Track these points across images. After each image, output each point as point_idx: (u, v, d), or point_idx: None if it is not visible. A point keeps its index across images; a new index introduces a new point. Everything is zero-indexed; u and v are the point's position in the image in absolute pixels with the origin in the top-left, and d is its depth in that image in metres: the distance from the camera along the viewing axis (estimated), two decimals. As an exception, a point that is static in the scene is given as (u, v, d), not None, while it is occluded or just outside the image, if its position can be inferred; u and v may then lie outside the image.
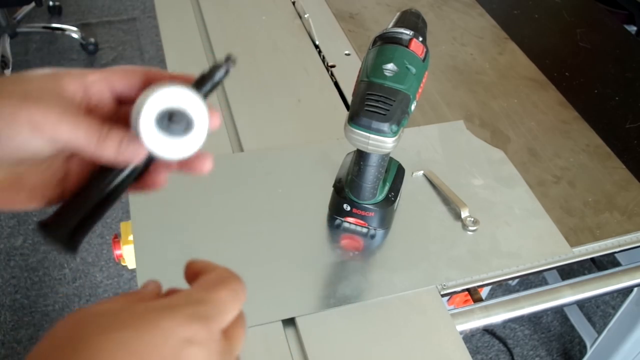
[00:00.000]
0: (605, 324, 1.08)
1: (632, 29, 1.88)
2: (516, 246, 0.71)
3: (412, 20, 0.60)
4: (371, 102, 0.54)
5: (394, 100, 0.54)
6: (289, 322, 0.61)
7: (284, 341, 0.59)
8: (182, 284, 0.37)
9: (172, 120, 0.32)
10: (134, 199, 0.71)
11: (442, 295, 0.65)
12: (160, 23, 1.04)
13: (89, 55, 2.43)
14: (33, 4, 2.13)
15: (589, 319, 1.56)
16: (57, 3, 2.62)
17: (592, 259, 0.74)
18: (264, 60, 0.97)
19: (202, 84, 0.36)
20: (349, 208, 0.67)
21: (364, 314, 0.62)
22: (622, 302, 1.01)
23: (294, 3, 1.11)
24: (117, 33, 2.57)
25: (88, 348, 0.25)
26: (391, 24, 0.60)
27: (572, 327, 1.55)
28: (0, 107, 0.30)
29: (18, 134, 0.31)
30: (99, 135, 0.32)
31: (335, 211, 0.69)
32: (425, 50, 0.58)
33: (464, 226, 0.72)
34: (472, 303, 0.67)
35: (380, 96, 0.54)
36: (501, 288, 1.62)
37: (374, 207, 0.67)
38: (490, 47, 1.08)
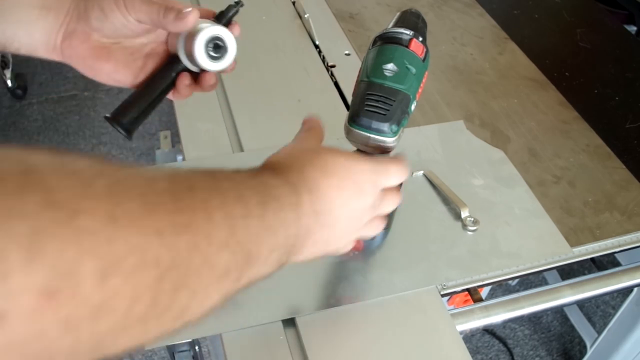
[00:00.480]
0: (605, 324, 1.08)
1: (632, 29, 1.88)
2: (516, 246, 0.71)
3: (412, 20, 0.60)
4: (371, 102, 0.54)
5: (394, 100, 0.54)
6: (289, 322, 0.61)
7: (284, 341, 0.59)
8: None
9: (214, 46, 0.51)
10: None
11: (442, 295, 0.65)
12: (160, 23, 1.04)
13: (89, 55, 2.43)
14: (33, 4, 2.13)
15: (589, 319, 1.56)
16: (57, 3, 2.62)
17: (592, 259, 0.74)
18: (264, 60, 0.97)
19: (221, 18, 0.53)
20: None
21: (364, 314, 0.62)
22: (622, 302, 1.01)
23: (294, 3, 1.11)
24: (117, 33, 2.57)
25: (324, 156, 0.45)
26: (391, 24, 0.60)
27: (572, 327, 1.55)
28: None
29: (114, 13, 0.47)
30: (164, 10, 0.47)
31: None
32: (425, 50, 0.58)
33: (464, 226, 0.72)
34: (472, 303, 0.67)
35: (380, 96, 0.54)
36: (501, 288, 1.62)
37: None
38: (490, 47, 1.08)
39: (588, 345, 1.31)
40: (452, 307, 0.69)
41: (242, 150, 0.79)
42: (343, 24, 1.08)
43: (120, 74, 0.52)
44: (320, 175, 0.44)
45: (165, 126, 2.13)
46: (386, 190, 0.50)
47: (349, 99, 0.91)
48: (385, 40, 0.57)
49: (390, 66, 0.55)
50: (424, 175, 0.79)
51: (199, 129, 0.83)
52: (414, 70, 0.56)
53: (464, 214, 0.73)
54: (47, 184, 0.23)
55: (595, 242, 0.74)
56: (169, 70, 0.53)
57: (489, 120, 0.91)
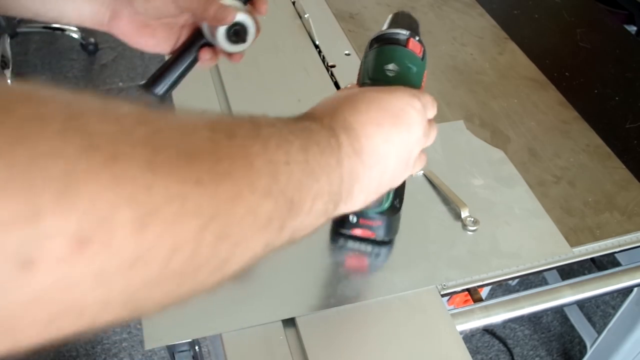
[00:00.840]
0: (605, 324, 1.08)
1: (632, 29, 1.88)
2: (516, 246, 0.71)
3: (406, 20, 0.60)
4: None
5: None
6: (289, 322, 0.61)
7: (284, 341, 0.59)
8: None
9: (234, 32, 0.56)
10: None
11: (442, 295, 0.65)
12: (160, 23, 1.04)
13: (89, 55, 2.43)
14: (33, 4, 2.13)
15: (589, 319, 1.56)
16: (57, 3, 2.62)
17: (592, 259, 0.74)
18: (264, 60, 0.97)
19: None
20: (355, 219, 0.66)
21: (364, 314, 0.62)
22: (622, 302, 1.01)
23: (294, 3, 1.11)
24: (117, 33, 2.57)
25: (355, 96, 0.45)
26: (385, 26, 0.59)
27: (572, 327, 1.55)
28: None
29: None
30: (204, 4, 0.53)
31: (340, 224, 0.67)
32: (422, 49, 0.58)
33: (464, 226, 0.72)
34: (472, 303, 0.67)
35: None
36: (501, 288, 1.62)
37: (380, 216, 0.66)
38: (490, 47, 1.08)
39: (588, 345, 1.31)
40: (452, 307, 0.69)
41: (242, 150, 0.79)
42: (343, 24, 1.08)
43: (160, 47, 0.58)
44: (352, 112, 0.43)
45: (165, 126, 2.13)
46: (431, 122, 0.50)
47: (349, 99, 0.91)
48: (383, 42, 0.57)
49: (392, 66, 0.55)
50: (424, 175, 0.79)
51: (199, 129, 0.83)
52: (415, 69, 0.56)
53: (464, 214, 0.73)
54: (88, 129, 0.23)
55: (595, 242, 0.74)
56: (193, 45, 0.58)
57: (489, 120, 0.91)
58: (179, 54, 0.58)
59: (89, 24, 0.55)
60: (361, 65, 0.58)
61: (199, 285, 0.29)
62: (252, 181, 0.31)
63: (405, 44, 0.56)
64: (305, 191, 0.35)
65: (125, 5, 0.54)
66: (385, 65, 0.55)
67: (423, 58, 0.58)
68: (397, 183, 0.47)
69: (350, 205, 0.42)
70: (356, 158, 0.41)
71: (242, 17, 0.56)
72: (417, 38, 0.58)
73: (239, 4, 0.57)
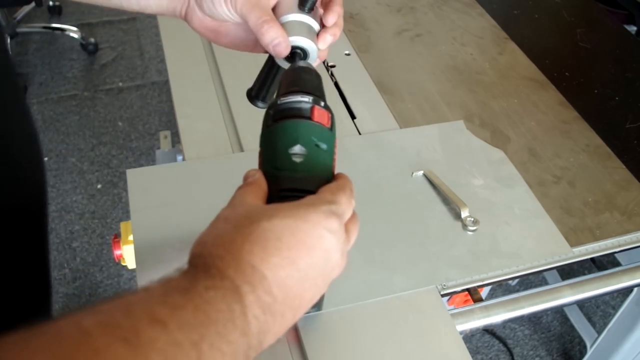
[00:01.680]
0: (605, 324, 1.08)
1: (632, 29, 1.88)
2: (516, 246, 0.71)
3: (306, 79, 0.49)
4: (287, 200, 0.43)
5: (312, 191, 0.44)
6: (289, 322, 0.61)
7: (284, 341, 0.59)
8: None
9: (293, 54, 0.52)
10: (134, 199, 0.71)
11: (442, 295, 0.65)
12: (160, 23, 1.04)
13: (89, 55, 2.43)
14: (33, 4, 2.13)
15: (589, 319, 1.56)
16: (57, 3, 2.62)
17: (592, 259, 0.74)
18: (264, 59, 0.96)
19: (304, 4, 0.52)
20: None
21: (364, 314, 0.62)
22: (622, 302, 1.01)
23: (294, 3, 1.11)
24: (117, 33, 2.57)
25: (261, 226, 0.37)
26: (282, 88, 0.49)
27: (572, 327, 1.55)
28: None
29: (221, 7, 0.51)
30: (260, 23, 0.50)
31: None
32: (330, 115, 0.48)
33: (464, 226, 0.72)
34: (472, 303, 0.67)
35: (295, 190, 0.45)
36: (501, 288, 1.62)
37: None
38: (490, 47, 1.08)
39: (588, 345, 1.31)
40: (452, 307, 0.69)
41: (242, 150, 0.79)
42: (343, 24, 1.08)
43: (236, 46, 0.57)
44: (261, 255, 0.36)
45: (165, 126, 2.13)
46: (347, 224, 0.43)
47: (349, 98, 0.91)
48: (283, 116, 0.46)
49: (298, 148, 0.45)
50: (424, 175, 0.79)
51: (199, 129, 0.83)
52: (324, 146, 0.46)
53: (464, 214, 0.73)
54: None
55: (595, 242, 0.74)
56: (270, 56, 0.57)
57: (489, 120, 0.91)
58: (269, 65, 0.57)
59: (168, 14, 0.57)
60: (261, 145, 0.48)
61: None
62: None
63: (309, 115, 0.46)
64: None
65: (197, 6, 0.54)
66: (290, 149, 0.45)
67: (332, 128, 0.48)
68: (315, 300, 0.41)
69: (272, 338, 0.38)
70: (265, 316, 0.36)
71: (301, 41, 0.51)
72: (322, 103, 0.48)
73: (305, 24, 0.52)
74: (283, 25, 0.51)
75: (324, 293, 0.44)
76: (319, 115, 0.46)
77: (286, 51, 0.50)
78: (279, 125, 0.46)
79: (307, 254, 0.38)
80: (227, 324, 0.33)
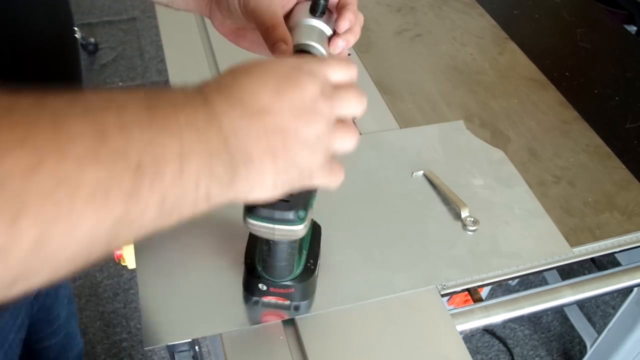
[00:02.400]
0: (605, 324, 1.08)
1: (632, 29, 1.88)
2: (516, 246, 0.71)
3: None
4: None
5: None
6: (289, 322, 0.61)
7: (284, 341, 0.59)
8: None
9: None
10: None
11: (442, 295, 0.65)
12: (160, 23, 1.04)
13: (89, 55, 2.43)
14: (33, 4, 2.13)
15: (589, 319, 1.56)
16: (57, 3, 2.62)
17: (592, 259, 0.74)
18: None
19: (315, 9, 0.51)
20: (265, 287, 0.59)
21: (364, 314, 0.62)
22: (622, 302, 1.01)
23: (294, 3, 1.11)
24: (117, 33, 2.57)
25: (250, 69, 0.38)
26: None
27: (572, 327, 1.55)
28: None
29: (237, 12, 0.52)
30: (266, 27, 0.50)
31: (250, 291, 0.60)
32: None
33: (464, 226, 0.72)
34: (472, 303, 0.67)
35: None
36: (501, 288, 1.62)
37: (293, 283, 0.59)
38: (490, 47, 1.08)
39: (588, 345, 1.31)
40: (452, 307, 0.69)
41: (242, 150, 0.79)
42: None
43: (257, 50, 0.58)
44: (235, 75, 0.37)
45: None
46: (338, 85, 0.42)
47: (349, 99, 0.91)
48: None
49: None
50: (424, 175, 0.79)
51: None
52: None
53: (464, 214, 0.73)
54: None
55: (595, 242, 0.74)
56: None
57: (489, 120, 0.91)
58: None
59: (195, 12, 0.60)
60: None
61: (17, 271, 0.27)
62: (61, 146, 0.27)
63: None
64: (159, 152, 0.31)
65: (216, 9, 0.56)
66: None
67: None
68: (312, 151, 0.39)
69: (259, 170, 0.36)
70: (235, 112, 0.35)
71: (309, 45, 0.50)
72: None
73: (315, 29, 0.51)
74: (293, 29, 0.51)
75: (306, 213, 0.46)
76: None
77: (287, 54, 0.50)
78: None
79: (277, 78, 0.38)
80: (185, 107, 0.33)
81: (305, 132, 0.38)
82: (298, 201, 0.46)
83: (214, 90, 0.36)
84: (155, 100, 0.32)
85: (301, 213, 0.46)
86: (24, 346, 0.79)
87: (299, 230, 0.47)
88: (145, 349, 0.56)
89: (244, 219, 0.47)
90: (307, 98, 0.38)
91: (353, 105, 0.42)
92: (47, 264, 0.28)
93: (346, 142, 0.42)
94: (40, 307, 0.87)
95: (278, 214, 0.46)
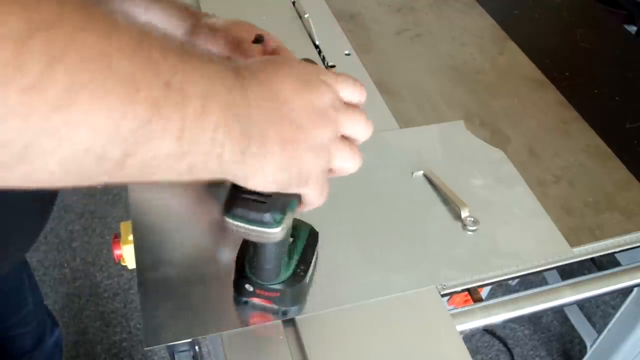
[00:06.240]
0: (605, 324, 1.08)
1: (632, 29, 1.88)
2: (516, 246, 0.71)
3: None
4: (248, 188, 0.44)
5: (268, 197, 0.45)
6: (289, 322, 0.61)
7: (284, 341, 0.59)
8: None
9: None
10: (134, 199, 0.71)
11: (442, 295, 0.65)
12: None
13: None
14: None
15: (589, 319, 1.56)
16: (57, 3, 2.62)
17: (592, 259, 0.74)
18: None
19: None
20: (251, 289, 0.58)
21: (364, 314, 0.62)
22: (622, 302, 1.01)
23: (294, 3, 1.11)
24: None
25: (288, 60, 0.44)
26: None
27: (572, 327, 1.55)
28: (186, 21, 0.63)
29: (206, 42, 0.62)
30: (232, 50, 0.61)
31: (238, 291, 0.60)
32: None
33: (464, 226, 0.72)
34: (472, 303, 0.67)
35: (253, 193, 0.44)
36: (501, 288, 1.62)
37: (280, 287, 0.58)
38: (490, 46, 1.08)
39: (588, 345, 1.31)
40: (452, 307, 0.69)
41: (242, 150, 0.79)
42: (343, 24, 1.08)
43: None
44: (263, 62, 0.42)
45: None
46: (348, 103, 0.46)
47: (349, 99, 0.91)
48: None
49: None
50: (424, 175, 0.79)
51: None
52: None
53: (464, 214, 0.73)
54: None
55: (595, 242, 0.74)
56: None
57: (489, 120, 0.91)
58: None
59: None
60: None
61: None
62: (110, 34, 0.28)
63: None
64: (187, 82, 0.33)
65: (195, 37, 0.62)
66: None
67: None
68: (315, 156, 0.41)
69: (267, 152, 0.39)
70: (260, 90, 0.39)
71: None
72: None
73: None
74: None
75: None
76: None
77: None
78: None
79: (299, 80, 0.42)
80: (218, 65, 0.37)
81: (313, 133, 0.41)
82: (276, 204, 0.45)
83: (244, 68, 0.39)
84: (192, 50, 0.35)
85: (277, 216, 0.45)
86: None
87: (274, 232, 0.46)
88: (145, 349, 0.56)
89: (222, 217, 0.47)
90: (320, 103, 0.42)
91: (359, 127, 0.45)
92: (63, 141, 0.28)
93: (347, 161, 0.44)
94: (3, 293, 0.88)
95: (254, 215, 0.45)
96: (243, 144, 0.37)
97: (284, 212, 0.46)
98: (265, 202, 0.45)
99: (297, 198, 0.47)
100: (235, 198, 0.45)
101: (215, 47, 0.62)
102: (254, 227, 0.46)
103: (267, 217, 0.45)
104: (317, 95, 0.42)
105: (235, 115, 0.36)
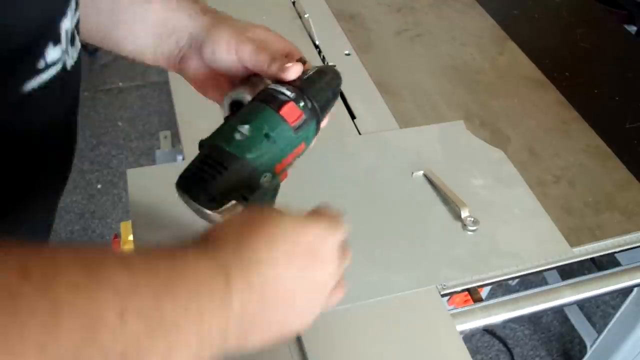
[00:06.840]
0: (605, 324, 1.08)
1: (632, 29, 1.88)
2: (516, 246, 0.71)
3: (316, 82, 0.51)
4: (200, 165, 0.45)
5: (225, 168, 0.44)
6: (289, 322, 0.61)
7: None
8: None
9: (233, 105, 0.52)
10: (134, 199, 0.71)
11: (442, 295, 0.65)
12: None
13: (89, 55, 2.43)
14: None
15: (589, 319, 1.55)
16: (57, 3, 2.62)
17: (592, 259, 0.74)
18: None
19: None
20: None
21: (363, 314, 0.62)
22: (622, 302, 1.01)
23: (294, 3, 1.11)
24: (117, 33, 2.57)
25: (267, 221, 0.39)
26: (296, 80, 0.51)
27: (572, 327, 1.55)
28: (220, 32, 0.52)
29: (222, 55, 0.51)
30: (269, 62, 0.49)
31: None
32: (301, 117, 0.47)
33: (464, 226, 0.72)
34: (472, 303, 0.67)
35: (213, 160, 0.45)
36: (501, 288, 1.62)
37: None
38: (490, 47, 1.08)
39: (588, 345, 1.31)
40: (452, 307, 0.69)
41: (242, 150, 0.79)
42: (343, 24, 1.08)
43: (222, 102, 0.56)
44: (264, 247, 0.37)
45: (165, 126, 2.13)
46: (340, 246, 0.44)
47: (349, 98, 0.91)
48: (259, 97, 0.48)
49: (246, 129, 0.45)
50: (424, 175, 0.79)
51: (199, 129, 0.83)
52: (275, 139, 0.45)
53: (464, 213, 0.73)
54: None
55: (595, 242, 0.74)
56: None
57: (489, 120, 0.91)
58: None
59: (163, 65, 0.57)
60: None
61: None
62: (45, 345, 0.25)
63: (278, 107, 0.46)
64: (147, 347, 0.29)
65: (195, 52, 0.54)
66: (239, 126, 0.45)
67: (298, 129, 0.47)
68: (306, 324, 0.42)
69: (243, 347, 0.36)
70: (252, 294, 0.35)
71: (242, 95, 0.51)
72: (302, 104, 0.48)
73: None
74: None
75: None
76: (289, 111, 0.47)
77: (296, 73, 0.49)
78: (251, 104, 0.48)
79: (307, 258, 0.40)
80: (201, 288, 0.32)
81: (312, 310, 0.43)
82: (216, 187, 0.44)
83: (237, 273, 0.35)
84: (170, 284, 0.31)
85: (214, 198, 0.44)
86: None
87: (210, 215, 0.45)
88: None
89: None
90: (325, 277, 0.42)
91: (349, 261, 0.46)
92: None
93: (336, 299, 0.46)
94: None
95: (194, 190, 0.45)
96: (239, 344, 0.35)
97: (225, 196, 0.44)
98: (206, 181, 0.44)
99: (251, 190, 0.46)
100: (187, 170, 0.45)
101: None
102: (193, 202, 0.45)
103: (202, 195, 0.44)
104: (323, 271, 0.42)
105: (216, 340, 0.33)
